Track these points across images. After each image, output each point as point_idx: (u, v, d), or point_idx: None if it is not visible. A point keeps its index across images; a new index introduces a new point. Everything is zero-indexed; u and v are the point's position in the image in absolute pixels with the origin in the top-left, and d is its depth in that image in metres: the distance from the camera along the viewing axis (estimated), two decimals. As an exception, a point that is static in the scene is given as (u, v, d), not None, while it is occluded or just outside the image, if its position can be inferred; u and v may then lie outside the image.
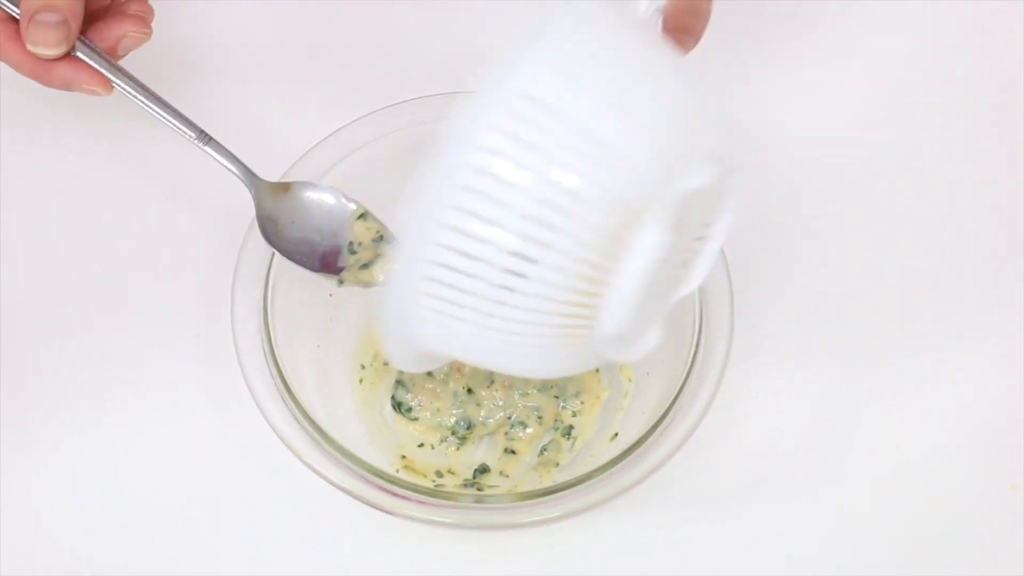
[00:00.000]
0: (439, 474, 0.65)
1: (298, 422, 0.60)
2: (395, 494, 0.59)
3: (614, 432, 0.65)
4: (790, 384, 0.68)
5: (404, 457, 0.65)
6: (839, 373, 0.69)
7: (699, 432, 0.60)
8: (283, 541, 0.64)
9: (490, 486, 0.65)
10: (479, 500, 0.61)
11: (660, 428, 0.59)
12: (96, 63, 0.63)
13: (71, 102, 0.74)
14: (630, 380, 0.67)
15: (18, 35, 0.61)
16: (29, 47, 0.62)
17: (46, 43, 0.62)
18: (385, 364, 0.68)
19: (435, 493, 0.59)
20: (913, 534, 0.65)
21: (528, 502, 0.59)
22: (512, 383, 0.67)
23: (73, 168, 0.74)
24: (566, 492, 0.59)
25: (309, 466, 0.59)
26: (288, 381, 0.60)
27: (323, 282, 0.64)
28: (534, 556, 0.64)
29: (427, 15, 0.79)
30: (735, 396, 0.65)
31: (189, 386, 0.67)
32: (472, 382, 0.67)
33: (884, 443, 0.67)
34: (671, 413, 0.60)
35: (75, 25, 0.62)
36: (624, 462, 0.59)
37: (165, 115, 0.63)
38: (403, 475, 0.63)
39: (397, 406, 0.67)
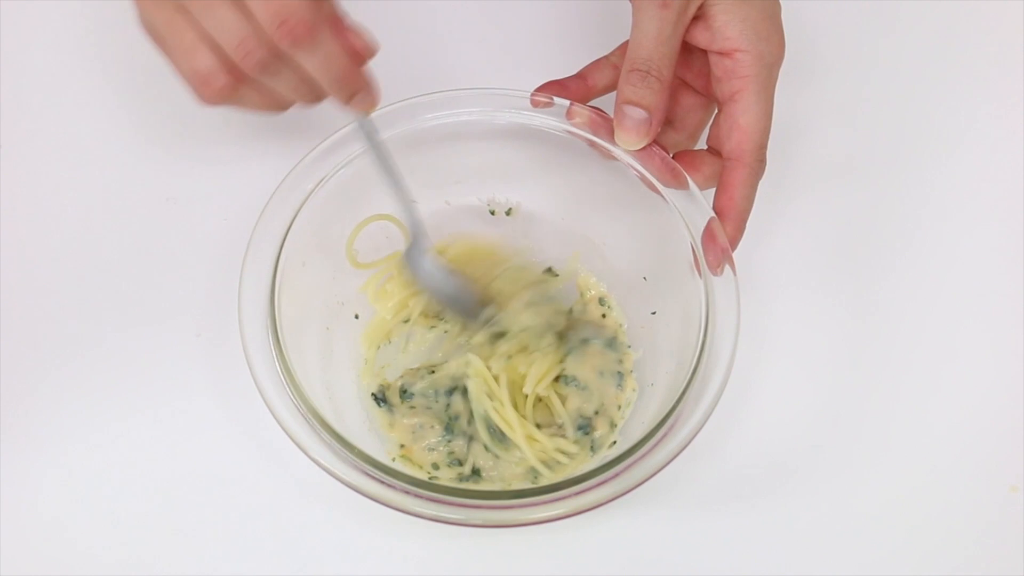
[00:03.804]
0: (435, 466, 0.65)
1: (294, 403, 0.59)
2: (388, 484, 0.58)
3: (612, 440, 0.65)
4: (792, 388, 0.68)
5: (403, 446, 0.65)
6: (840, 376, 0.69)
7: (701, 433, 0.60)
8: (281, 536, 0.64)
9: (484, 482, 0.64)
10: (473, 496, 0.59)
11: (653, 440, 0.59)
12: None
13: (72, 102, 0.75)
14: (634, 390, 0.67)
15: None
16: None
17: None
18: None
19: (428, 486, 0.58)
20: (914, 535, 0.65)
21: (521, 500, 0.58)
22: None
23: (73, 168, 0.74)
24: (559, 492, 0.58)
25: (299, 445, 0.59)
26: (287, 359, 0.60)
27: (332, 265, 0.65)
28: (530, 557, 0.64)
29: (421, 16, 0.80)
30: (738, 396, 0.66)
31: (191, 379, 0.67)
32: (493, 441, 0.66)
33: (885, 445, 0.67)
34: (666, 424, 0.59)
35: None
36: (617, 467, 0.59)
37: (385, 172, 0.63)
38: (398, 465, 0.63)
39: (377, 400, 0.67)
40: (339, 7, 0.58)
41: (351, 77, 0.59)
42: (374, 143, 0.62)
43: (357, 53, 0.58)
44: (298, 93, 0.59)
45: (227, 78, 0.56)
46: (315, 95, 0.59)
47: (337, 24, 0.57)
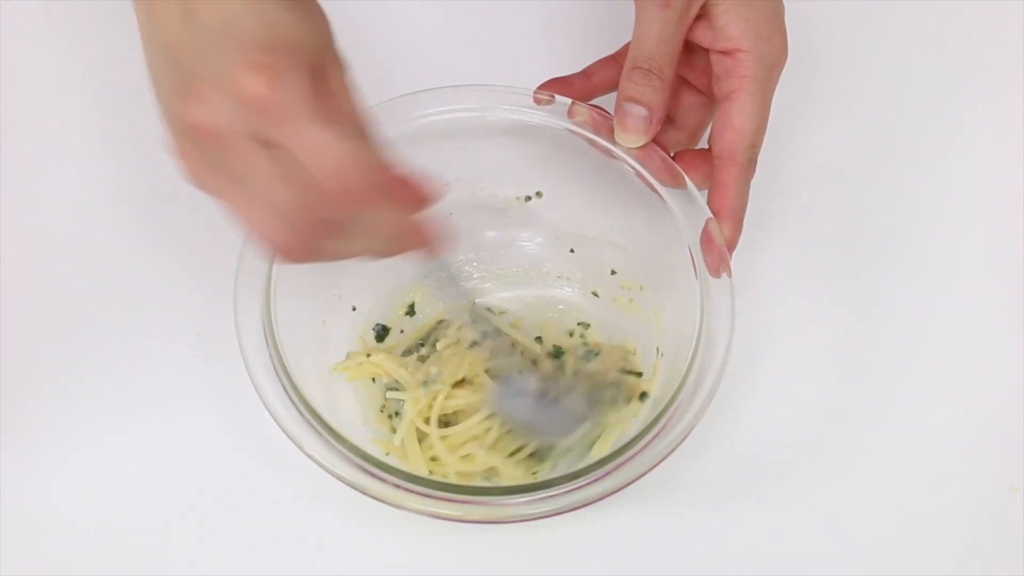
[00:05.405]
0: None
1: (287, 393, 0.59)
2: (383, 480, 0.58)
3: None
4: (790, 387, 0.68)
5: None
6: (838, 376, 0.69)
7: (697, 431, 0.60)
8: (278, 534, 0.64)
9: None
10: (468, 492, 0.59)
11: (648, 436, 0.59)
12: None
13: (72, 102, 0.75)
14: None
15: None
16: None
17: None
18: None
19: (423, 481, 0.58)
20: (913, 536, 0.64)
21: (516, 496, 0.58)
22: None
23: (72, 168, 0.74)
24: (555, 488, 0.58)
25: (295, 442, 0.59)
26: (282, 353, 0.60)
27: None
28: (526, 554, 0.64)
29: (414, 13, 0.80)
30: (734, 395, 0.65)
31: (189, 379, 0.67)
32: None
33: (884, 445, 0.67)
34: (662, 421, 0.59)
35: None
36: (613, 463, 0.58)
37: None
38: (392, 460, 0.62)
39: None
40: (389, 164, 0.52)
41: (409, 238, 0.53)
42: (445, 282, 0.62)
43: (412, 210, 0.52)
44: (367, 248, 0.53)
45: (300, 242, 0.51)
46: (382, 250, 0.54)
47: (389, 186, 0.51)
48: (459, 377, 0.65)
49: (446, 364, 0.65)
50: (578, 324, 0.70)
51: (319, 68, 0.47)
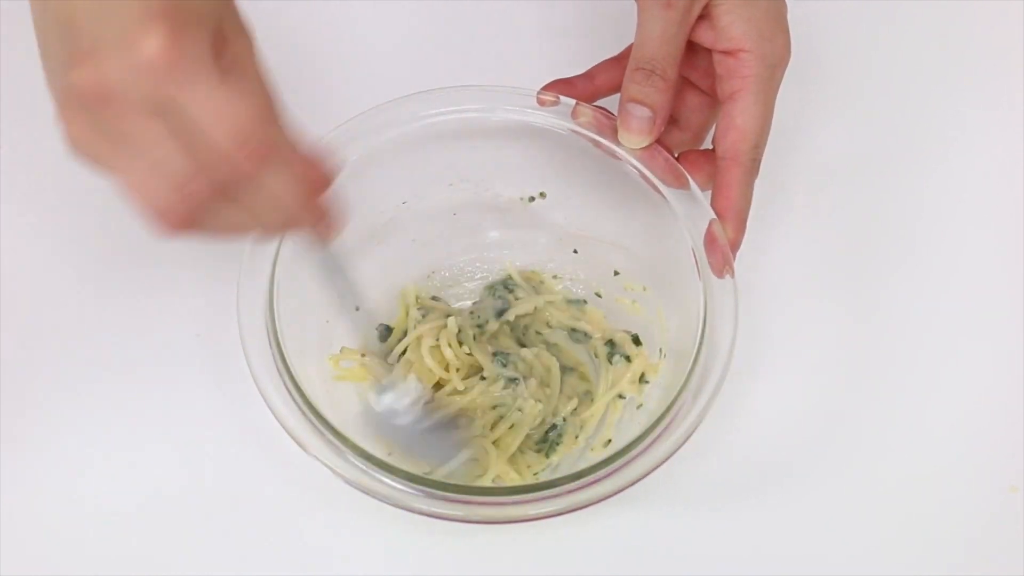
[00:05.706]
0: None
1: (290, 394, 0.59)
2: (383, 479, 0.58)
3: (607, 439, 0.65)
4: (791, 388, 0.68)
5: (400, 442, 0.65)
6: (839, 376, 0.69)
7: (700, 432, 0.60)
8: (281, 535, 0.64)
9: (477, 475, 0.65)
10: (471, 492, 0.59)
11: (651, 436, 0.59)
12: None
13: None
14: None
15: None
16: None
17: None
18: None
19: (425, 482, 0.58)
20: (913, 536, 0.64)
21: (519, 496, 0.58)
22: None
23: (72, 167, 0.73)
24: (558, 488, 0.58)
25: (297, 442, 0.59)
26: (286, 354, 0.60)
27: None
28: (529, 554, 0.64)
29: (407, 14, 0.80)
30: (738, 396, 0.65)
31: (190, 380, 0.67)
32: None
33: (884, 445, 0.67)
34: (664, 421, 0.59)
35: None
36: (615, 464, 0.58)
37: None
38: (395, 461, 0.61)
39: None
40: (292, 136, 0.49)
41: (303, 212, 0.50)
42: (332, 272, 0.58)
43: (313, 183, 0.50)
44: (256, 221, 0.50)
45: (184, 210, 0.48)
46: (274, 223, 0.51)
47: (291, 153, 0.49)
48: (432, 382, 0.66)
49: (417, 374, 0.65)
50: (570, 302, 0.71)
51: (220, 33, 0.46)
